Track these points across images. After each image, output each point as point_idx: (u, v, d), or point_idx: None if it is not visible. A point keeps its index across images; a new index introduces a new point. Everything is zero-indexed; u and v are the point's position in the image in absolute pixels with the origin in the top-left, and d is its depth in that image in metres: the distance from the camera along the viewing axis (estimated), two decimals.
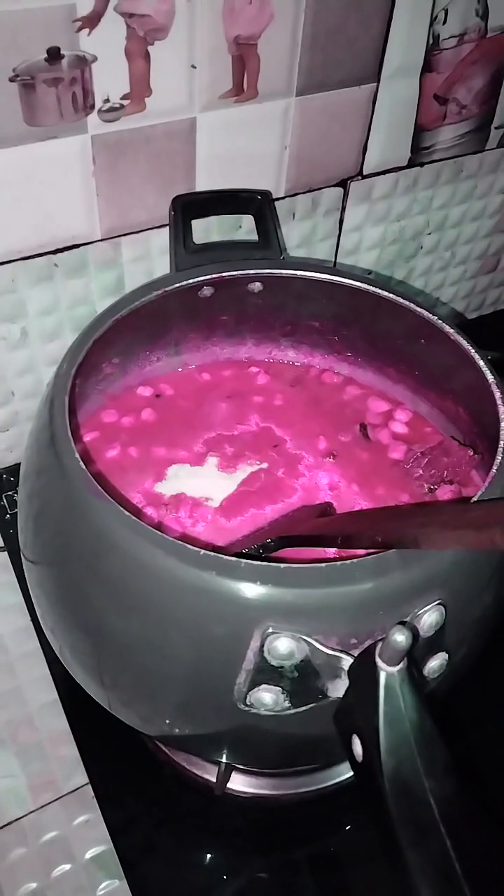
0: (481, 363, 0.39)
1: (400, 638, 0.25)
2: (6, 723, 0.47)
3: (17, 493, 0.58)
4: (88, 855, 0.42)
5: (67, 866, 0.42)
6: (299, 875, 0.43)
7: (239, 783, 0.44)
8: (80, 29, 0.40)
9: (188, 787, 0.45)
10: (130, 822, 0.44)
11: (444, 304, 0.74)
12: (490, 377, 0.39)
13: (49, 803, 0.44)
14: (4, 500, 0.58)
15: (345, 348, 0.50)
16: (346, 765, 0.44)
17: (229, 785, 0.44)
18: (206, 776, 0.44)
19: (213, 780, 0.43)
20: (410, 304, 0.42)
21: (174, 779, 0.45)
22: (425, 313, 0.42)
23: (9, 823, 0.43)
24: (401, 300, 0.43)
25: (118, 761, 0.46)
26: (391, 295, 0.43)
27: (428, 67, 0.53)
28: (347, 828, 0.44)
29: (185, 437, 0.46)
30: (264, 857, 0.43)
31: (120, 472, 0.44)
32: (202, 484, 0.44)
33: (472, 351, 0.40)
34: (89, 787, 0.44)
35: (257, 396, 0.50)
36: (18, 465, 0.58)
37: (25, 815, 0.44)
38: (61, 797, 0.44)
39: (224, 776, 0.42)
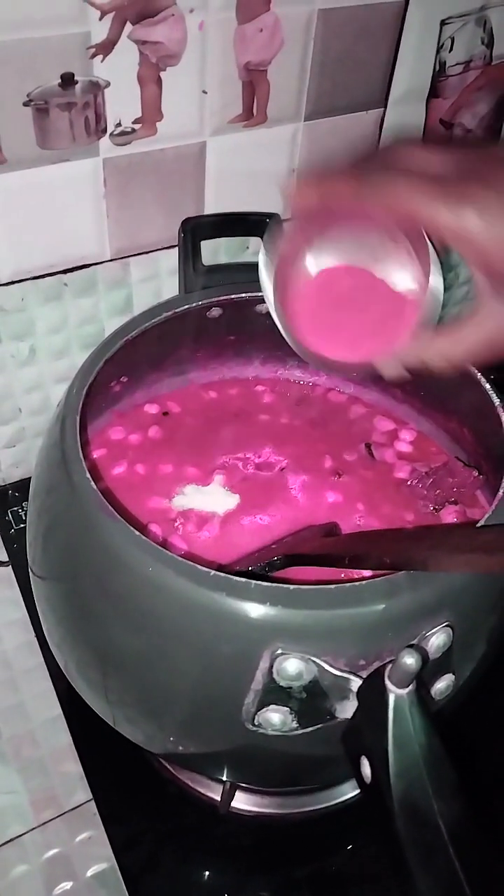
0: (486, 384, 0.40)
1: (410, 661, 0.25)
2: (9, 738, 0.47)
3: (22, 508, 0.58)
4: (90, 872, 0.42)
5: (69, 884, 0.42)
6: (301, 894, 0.43)
7: (242, 801, 0.44)
8: (93, 55, 0.40)
9: (192, 805, 0.45)
10: (133, 840, 0.44)
11: None
12: (495, 399, 0.39)
13: (51, 820, 0.44)
14: (10, 516, 0.58)
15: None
16: (350, 784, 0.44)
17: (233, 803, 0.44)
18: (211, 794, 0.44)
19: (217, 798, 0.43)
20: None
21: (178, 796, 0.45)
22: None
23: (10, 840, 0.43)
24: None
25: (121, 778, 0.46)
26: None
27: (434, 93, 0.54)
28: (349, 847, 0.44)
29: (192, 455, 0.47)
30: (266, 876, 0.43)
31: (127, 489, 0.44)
32: (208, 501, 0.44)
33: (477, 373, 0.40)
34: (92, 803, 0.44)
35: (263, 415, 0.50)
36: (24, 480, 0.58)
37: (27, 832, 0.44)
38: (63, 814, 0.44)
39: (228, 795, 0.43)
